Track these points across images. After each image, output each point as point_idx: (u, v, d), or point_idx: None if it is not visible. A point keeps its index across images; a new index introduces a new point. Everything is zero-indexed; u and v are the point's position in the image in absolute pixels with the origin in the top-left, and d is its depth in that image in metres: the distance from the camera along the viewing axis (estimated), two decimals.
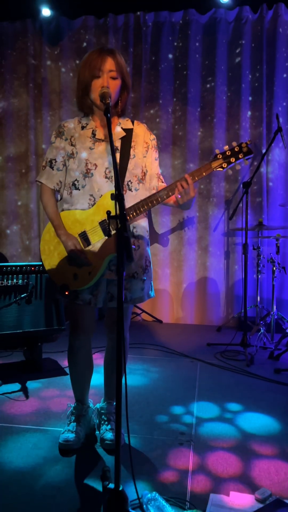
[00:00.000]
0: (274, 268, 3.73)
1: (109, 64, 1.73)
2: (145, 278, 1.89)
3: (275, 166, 4.45)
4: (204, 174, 1.74)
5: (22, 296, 2.72)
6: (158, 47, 4.58)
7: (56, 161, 1.87)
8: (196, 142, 4.59)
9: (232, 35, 4.49)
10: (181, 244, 4.64)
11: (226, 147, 1.75)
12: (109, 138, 1.50)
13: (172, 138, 4.64)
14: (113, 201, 1.38)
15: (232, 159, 1.74)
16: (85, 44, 4.69)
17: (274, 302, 3.79)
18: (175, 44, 4.58)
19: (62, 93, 4.72)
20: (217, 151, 1.76)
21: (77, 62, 4.71)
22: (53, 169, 1.87)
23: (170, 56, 4.59)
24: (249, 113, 4.48)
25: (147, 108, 4.65)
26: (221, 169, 1.75)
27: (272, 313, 3.79)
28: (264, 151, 4.23)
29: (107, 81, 1.72)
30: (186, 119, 4.57)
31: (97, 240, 1.78)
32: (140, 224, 1.89)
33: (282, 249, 4.35)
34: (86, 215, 1.79)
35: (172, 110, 4.62)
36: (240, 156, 1.74)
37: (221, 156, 1.75)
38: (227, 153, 1.75)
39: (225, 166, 1.74)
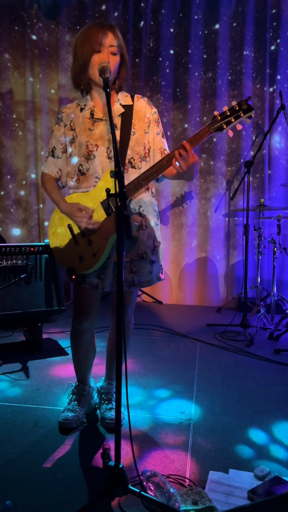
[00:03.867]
0: (275, 249, 3.71)
1: (110, 39, 1.66)
2: (154, 259, 1.83)
3: (277, 145, 4.38)
4: (202, 138, 1.61)
5: (21, 276, 2.71)
6: (158, 21, 4.46)
7: (55, 149, 1.84)
8: (197, 121, 4.51)
9: (235, 7, 4.36)
10: (181, 225, 4.61)
11: (225, 108, 1.62)
12: (109, 113, 1.45)
13: (172, 117, 4.56)
14: (113, 179, 1.35)
15: (232, 119, 1.61)
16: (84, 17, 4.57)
17: (275, 283, 3.78)
18: (176, 19, 4.46)
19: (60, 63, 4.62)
20: (215, 112, 1.63)
21: (73, 37, 4.59)
22: (54, 157, 1.84)
23: (171, 30, 4.47)
24: (252, 90, 4.39)
25: (146, 82, 4.56)
26: (220, 131, 1.62)
27: (272, 294, 3.79)
28: (266, 129, 4.15)
29: (107, 56, 1.66)
30: (188, 94, 4.48)
31: (100, 221, 1.72)
32: (147, 202, 1.82)
33: (283, 230, 4.33)
34: (88, 196, 1.74)
35: (172, 89, 4.53)
36: (241, 115, 1.61)
37: (220, 118, 1.62)
38: (226, 113, 1.61)
39: (225, 127, 1.61)
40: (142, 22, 4.50)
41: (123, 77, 1.78)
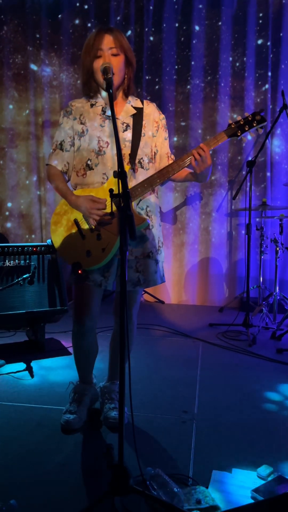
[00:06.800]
0: (278, 249, 3.71)
1: (107, 41, 1.69)
2: (158, 259, 1.86)
3: (280, 144, 4.38)
4: (219, 142, 1.74)
5: (24, 276, 2.71)
6: (160, 20, 4.46)
7: (64, 142, 1.83)
8: (199, 118, 4.51)
9: (237, 6, 4.36)
10: (184, 224, 4.61)
11: (239, 117, 1.78)
12: (111, 113, 1.46)
13: (174, 116, 4.55)
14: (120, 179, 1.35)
15: (246, 127, 1.76)
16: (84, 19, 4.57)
17: (277, 283, 3.78)
18: (178, 17, 4.46)
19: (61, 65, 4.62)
20: (230, 121, 1.78)
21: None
22: (63, 151, 1.84)
23: (173, 29, 4.47)
24: (254, 88, 4.39)
25: (149, 80, 4.56)
26: (236, 137, 1.77)
27: (274, 293, 3.78)
28: (268, 129, 4.15)
29: (108, 58, 1.69)
30: (189, 95, 4.48)
31: (110, 216, 1.72)
32: (153, 204, 1.85)
33: (286, 229, 4.31)
34: (99, 192, 1.75)
35: (174, 88, 4.52)
36: (254, 124, 1.75)
37: (234, 125, 1.77)
38: (240, 122, 1.77)
39: (239, 133, 1.76)
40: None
41: (130, 76, 1.79)
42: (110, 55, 1.69)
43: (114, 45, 1.69)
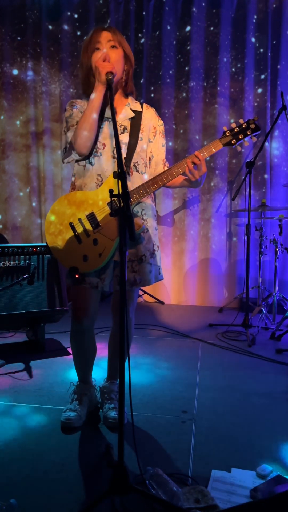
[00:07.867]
0: (277, 249, 3.72)
1: (105, 35, 1.71)
2: (151, 262, 1.85)
3: (278, 146, 4.39)
4: (214, 150, 1.73)
5: (24, 277, 2.72)
6: (160, 22, 4.47)
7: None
8: (199, 120, 4.52)
9: (237, 8, 4.37)
10: (183, 225, 4.62)
11: (234, 125, 1.75)
12: (111, 112, 1.46)
13: (173, 117, 4.56)
14: (118, 180, 1.36)
15: (241, 136, 1.74)
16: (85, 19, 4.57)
17: (276, 283, 3.79)
18: (178, 18, 4.47)
19: (62, 63, 4.62)
20: (224, 128, 1.76)
21: (77, 34, 4.58)
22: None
23: (169, 32, 4.48)
24: (253, 90, 4.40)
25: (148, 84, 4.56)
26: (230, 145, 1.75)
27: (274, 294, 3.79)
28: (267, 130, 4.16)
29: (108, 50, 1.70)
30: (189, 97, 4.49)
31: (106, 221, 1.74)
32: (149, 207, 1.86)
33: (285, 230, 4.33)
34: (93, 196, 1.75)
35: (174, 89, 4.53)
36: (248, 133, 1.74)
37: (229, 133, 1.75)
38: (235, 130, 1.75)
39: (234, 142, 1.74)
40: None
41: (129, 71, 1.79)
42: (109, 47, 1.70)
43: (111, 38, 1.71)
